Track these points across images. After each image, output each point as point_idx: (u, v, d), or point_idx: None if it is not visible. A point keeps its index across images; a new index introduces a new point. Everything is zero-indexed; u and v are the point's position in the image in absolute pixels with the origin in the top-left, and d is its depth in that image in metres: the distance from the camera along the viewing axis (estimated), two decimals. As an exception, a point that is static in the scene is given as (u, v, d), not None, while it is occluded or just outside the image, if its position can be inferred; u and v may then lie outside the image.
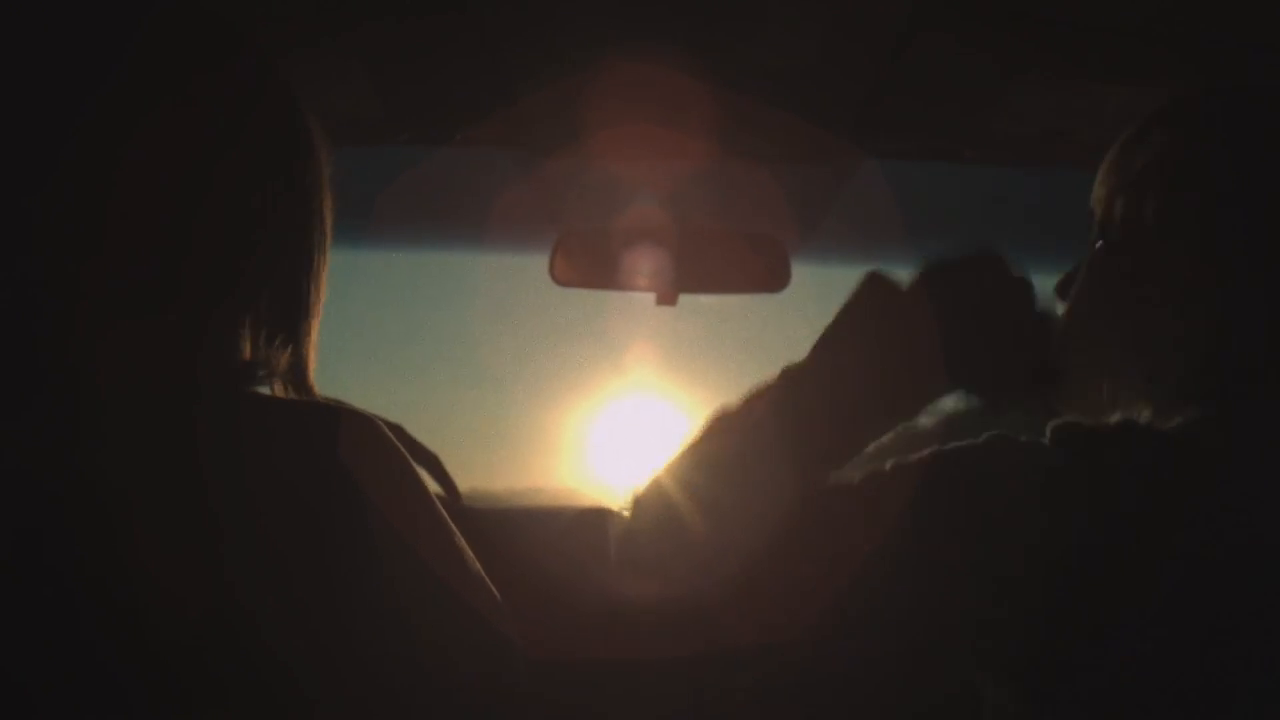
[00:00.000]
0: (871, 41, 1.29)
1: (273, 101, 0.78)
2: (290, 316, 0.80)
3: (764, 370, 0.87)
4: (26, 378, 0.69)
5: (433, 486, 0.84)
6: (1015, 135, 1.53)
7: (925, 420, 0.88)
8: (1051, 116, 1.46)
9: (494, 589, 0.79)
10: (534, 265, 1.75)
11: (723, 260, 1.71)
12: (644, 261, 1.71)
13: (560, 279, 1.72)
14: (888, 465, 0.82)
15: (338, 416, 0.74)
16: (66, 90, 0.70)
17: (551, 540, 1.63)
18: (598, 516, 1.65)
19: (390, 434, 0.76)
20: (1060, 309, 0.94)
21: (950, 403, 0.88)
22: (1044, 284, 0.93)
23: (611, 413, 2.75)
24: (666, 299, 1.74)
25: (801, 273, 1.72)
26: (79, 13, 0.72)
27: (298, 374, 0.80)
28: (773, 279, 1.72)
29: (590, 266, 1.73)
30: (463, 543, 0.78)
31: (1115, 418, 0.83)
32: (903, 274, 0.87)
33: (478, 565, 0.79)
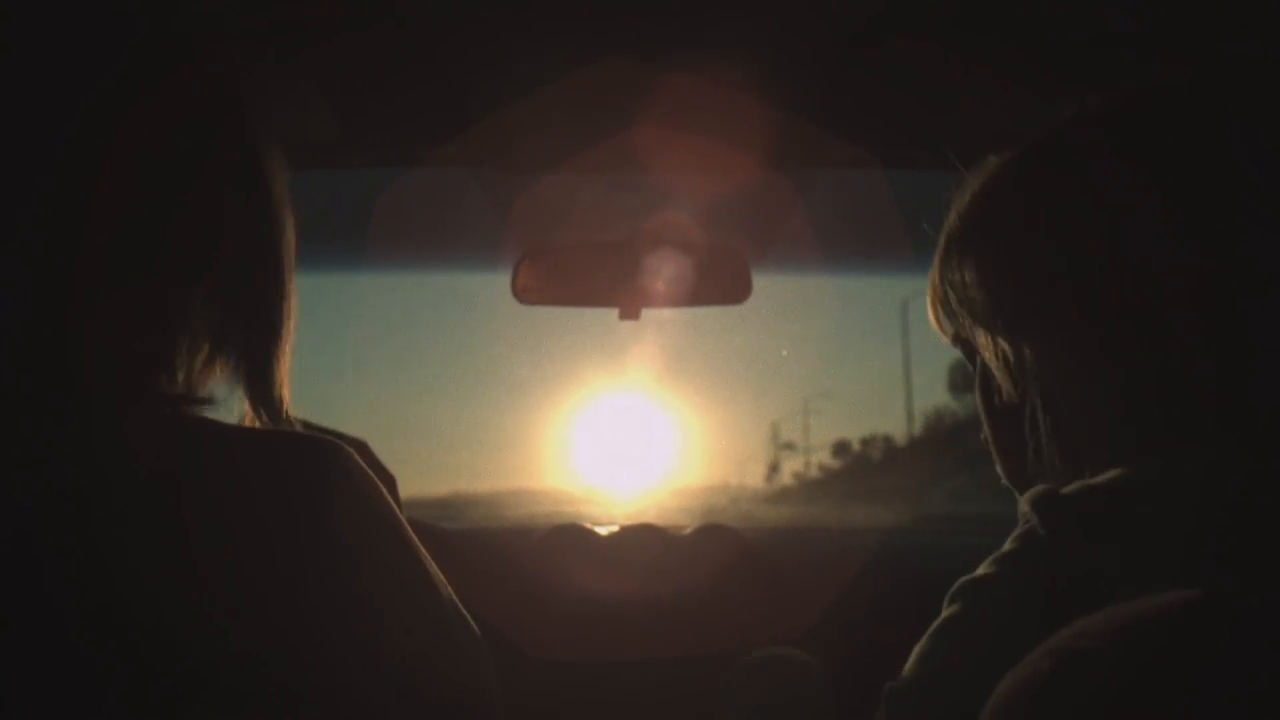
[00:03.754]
0: (827, 51, 1.31)
1: (219, 118, 0.77)
2: (257, 337, 0.79)
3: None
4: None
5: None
6: (971, 141, 1.54)
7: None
8: (1005, 122, 1.47)
9: (465, 612, 0.80)
10: (502, 282, 1.75)
11: (684, 273, 1.71)
12: (605, 277, 1.71)
13: (523, 298, 1.72)
14: None
15: (302, 444, 0.74)
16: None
17: (526, 554, 1.64)
18: (570, 532, 1.66)
19: (358, 459, 0.76)
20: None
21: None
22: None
23: (594, 415, 2.75)
24: (629, 314, 1.74)
25: (762, 283, 1.73)
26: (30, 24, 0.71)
27: (267, 398, 0.80)
28: (734, 291, 1.72)
29: (552, 284, 1.73)
30: (431, 567, 0.78)
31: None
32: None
33: (448, 589, 0.79)
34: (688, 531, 1.68)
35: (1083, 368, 0.84)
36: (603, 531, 1.67)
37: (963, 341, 0.96)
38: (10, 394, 0.69)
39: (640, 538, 1.66)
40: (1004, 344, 0.89)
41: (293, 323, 0.82)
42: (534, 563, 1.63)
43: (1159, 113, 0.86)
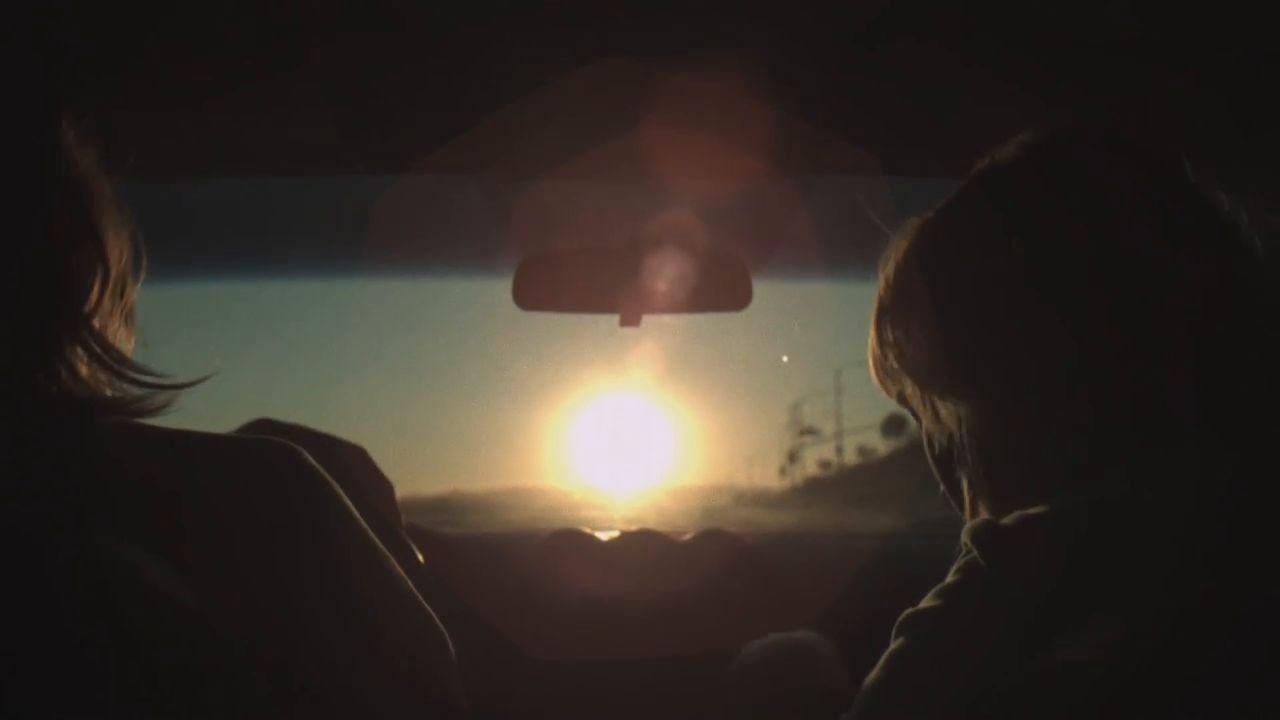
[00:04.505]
0: (830, 54, 1.31)
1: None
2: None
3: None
4: None
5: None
6: (972, 149, 1.54)
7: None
8: (1011, 128, 1.47)
9: (428, 606, 0.80)
10: (503, 287, 1.75)
11: (684, 280, 1.71)
12: (606, 283, 1.71)
13: (523, 304, 1.72)
14: None
15: (258, 449, 0.75)
16: None
17: (527, 559, 1.64)
18: (570, 537, 1.66)
19: (310, 461, 0.76)
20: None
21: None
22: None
23: (596, 419, 2.75)
24: (630, 320, 1.74)
25: (763, 290, 1.73)
26: None
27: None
28: (734, 297, 1.72)
29: (553, 290, 1.73)
30: (390, 561, 0.79)
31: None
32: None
33: (409, 584, 0.79)
34: (687, 537, 1.68)
35: (1010, 414, 0.87)
36: (603, 536, 1.68)
37: (904, 399, 0.99)
38: None
39: (640, 543, 1.66)
40: (933, 397, 0.94)
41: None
42: (534, 567, 1.63)
43: (1073, 153, 0.91)
